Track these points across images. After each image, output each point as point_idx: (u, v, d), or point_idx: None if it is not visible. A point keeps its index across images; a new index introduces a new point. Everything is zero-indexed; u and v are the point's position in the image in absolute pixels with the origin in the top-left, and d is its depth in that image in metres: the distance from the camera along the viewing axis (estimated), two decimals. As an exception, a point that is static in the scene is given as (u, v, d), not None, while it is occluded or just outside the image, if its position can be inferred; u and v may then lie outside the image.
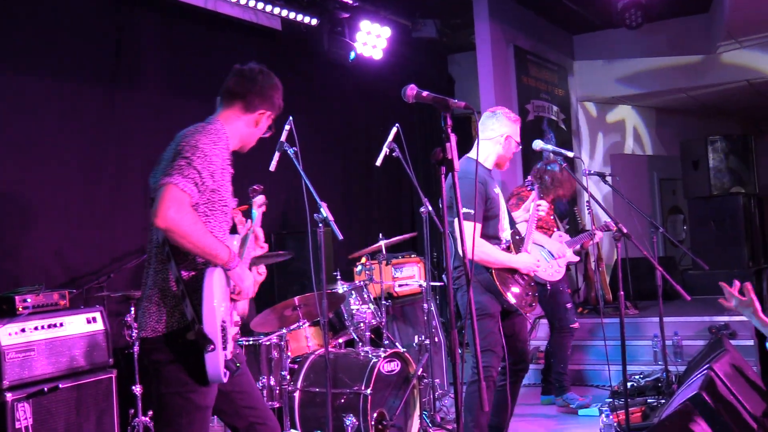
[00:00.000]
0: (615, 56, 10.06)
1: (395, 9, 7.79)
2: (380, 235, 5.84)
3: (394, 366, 5.03)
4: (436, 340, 6.30)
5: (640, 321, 7.63)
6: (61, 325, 4.38)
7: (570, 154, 4.96)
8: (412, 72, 8.56)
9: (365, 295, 5.51)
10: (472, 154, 4.51)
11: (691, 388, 4.05)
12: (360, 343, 5.34)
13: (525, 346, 4.66)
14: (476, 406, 4.28)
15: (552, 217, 6.20)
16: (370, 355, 4.91)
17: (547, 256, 5.93)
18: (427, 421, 5.38)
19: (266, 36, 6.95)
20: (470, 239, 4.14)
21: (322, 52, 7.02)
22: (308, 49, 7.15)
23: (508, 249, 4.44)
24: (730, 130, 12.07)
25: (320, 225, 4.38)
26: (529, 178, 5.45)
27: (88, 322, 4.52)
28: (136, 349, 4.62)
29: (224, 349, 2.81)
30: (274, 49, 7.11)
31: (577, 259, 6.47)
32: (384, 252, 5.81)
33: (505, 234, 4.51)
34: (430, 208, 5.23)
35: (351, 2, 7.02)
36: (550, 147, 4.92)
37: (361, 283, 5.61)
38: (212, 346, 2.72)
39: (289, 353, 4.93)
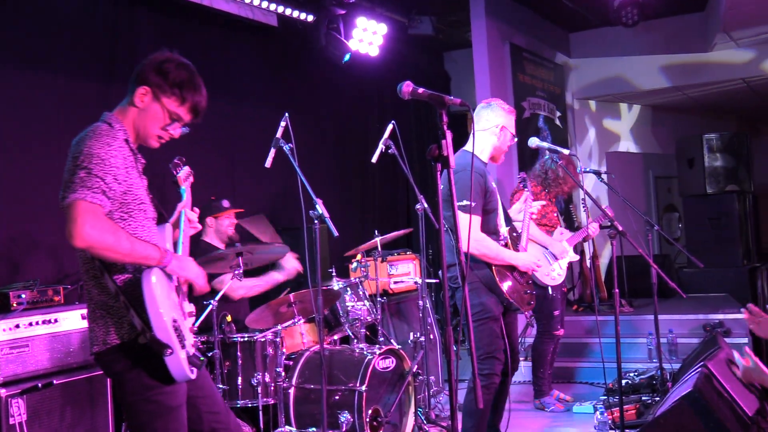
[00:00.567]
0: (611, 54, 10.07)
1: (391, 6, 7.78)
2: (375, 231, 5.84)
3: (389, 363, 5.03)
4: (431, 337, 6.30)
5: (635, 319, 7.64)
6: (56, 321, 4.37)
7: (566, 152, 4.96)
8: (408, 69, 8.56)
9: (360, 292, 5.51)
10: (468, 146, 4.48)
11: (685, 385, 4.06)
12: (355, 340, 5.33)
13: (516, 345, 4.67)
14: (476, 411, 4.27)
15: (555, 215, 6.20)
16: (365, 352, 4.91)
17: (550, 258, 5.93)
18: (422, 418, 5.38)
19: (262, 32, 6.94)
20: (466, 230, 4.11)
21: (318, 49, 7.01)
22: (304, 46, 7.14)
23: (505, 245, 4.43)
24: (726, 129, 12.11)
25: (316, 222, 4.37)
26: (521, 174, 5.44)
27: (83, 318, 4.50)
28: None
29: (183, 347, 2.73)
30: (270, 45, 7.11)
31: (578, 257, 6.47)
32: (379, 249, 5.81)
33: (503, 229, 4.50)
34: (426, 205, 5.22)
35: (347, -2, 7.02)
36: (545, 144, 4.92)
37: (357, 279, 5.60)
38: (169, 350, 2.63)
39: (284, 350, 4.93)
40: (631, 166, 11.47)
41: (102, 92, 5.57)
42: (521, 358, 6.29)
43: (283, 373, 4.83)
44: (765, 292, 9.22)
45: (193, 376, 2.76)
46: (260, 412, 4.77)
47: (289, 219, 6.70)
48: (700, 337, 6.89)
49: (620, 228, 4.60)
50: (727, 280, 9.16)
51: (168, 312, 2.69)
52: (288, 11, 6.73)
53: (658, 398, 5.45)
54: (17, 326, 4.17)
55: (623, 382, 5.55)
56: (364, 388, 4.65)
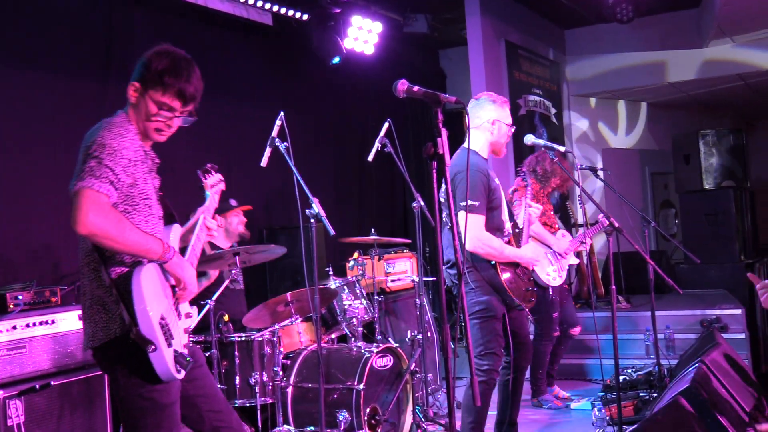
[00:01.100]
0: (606, 51, 10.08)
1: (386, 4, 7.78)
2: (372, 230, 5.84)
3: (387, 361, 5.03)
4: (429, 335, 6.31)
5: (632, 315, 7.65)
6: (53, 321, 4.36)
7: (561, 149, 4.96)
8: (404, 67, 8.56)
9: (358, 291, 5.51)
10: (466, 144, 4.47)
11: (683, 381, 4.06)
12: (352, 339, 5.34)
13: (527, 340, 4.65)
14: (475, 407, 4.27)
15: (552, 212, 6.20)
16: (362, 351, 4.91)
17: (552, 258, 5.94)
18: (420, 415, 5.38)
19: (257, 31, 6.93)
20: (471, 230, 4.12)
21: (311, 48, 7.02)
22: (299, 45, 7.14)
23: (508, 242, 4.42)
24: (722, 125, 12.13)
25: (312, 221, 4.37)
26: (522, 169, 5.44)
27: (80, 318, 4.49)
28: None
29: (170, 345, 2.73)
30: (265, 44, 7.11)
31: (577, 261, 6.48)
32: (376, 247, 5.81)
33: (507, 225, 4.49)
34: (423, 203, 5.22)
35: (342, -3, 7.02)
36: (541, 142, 4.92)
37: (354, 278, 5.60)
38: (153, 346, 2.64)
39: (281, 349, 4.93)
40: (628, 162, 11.48)
41: (99, 92, 5.56)
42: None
43: (280, 373, 4.82)
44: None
45: (179, 376, 2.76)
46: (258, 412, 4.77)
47: (285, 218, 6.71)
48: (697, 333, 6.90)
49: (617, 225, 4.60)
50: (724, 276, 9.17)
51: (156, 309, 2.70)
52: (283, 10, 6.73)
53: (655, 394, 5.46)
54: (14, 327, 4.16)
55: (621, 378, 5.56)
56: (362, 386, 4.66)
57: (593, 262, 7.52)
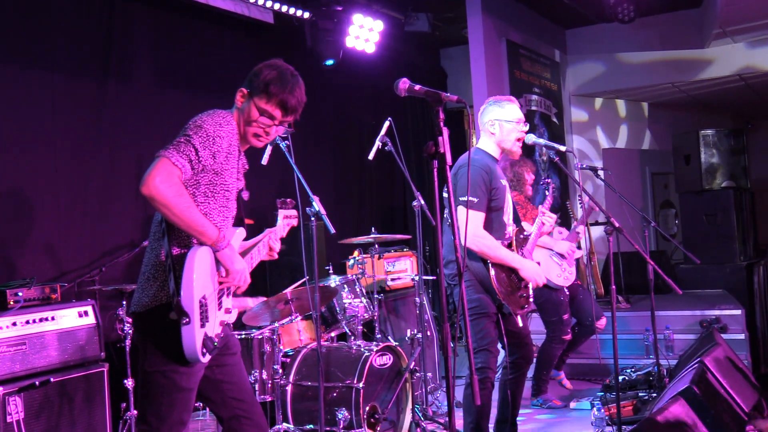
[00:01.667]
0: (607, 50, 10.08)
1: (388, 3, 7.78)
2: (372, 229, 5.84)
3: (387, 360, 5.03)
4: (429, 333, 6.31)
5: (631, 315, 7.64)
6: (53, 319, 4.36)
7: (562, 148, 4.96)
8: (405, 66, 8.57)
9: (357, 289, 5.51)
10: (479, 144, 4.46)
11: (682, 381, 4.07)
12: (352, 337, 5.34)
13: (527, 340, 4.62)
14: (474, 407, 4.26)
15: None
16: (362, 349, 4.92)
17: (557, 259, 5.94)
18: (420, 414, 5.38)
19: (258, 29, 6.93)
20: (469, 226, 4.08)
21: (312, 47, 7.02)
22: (301, 43, 7.14)
23: (509, 246, 4.38)
24: (722, 125, 12.12)
25: (312, 219, 4.37)
26: (545, 180, 5.42)
27: (80, 316, 4.51)
28: (128, 342, 4.60)
29: (203, 326, 2.80)
30: (266, 42, 7.10)
31: (582, 253, 6.47)
32: (376, 246, 5.81)
33: (509, 228, 4.46)
34: (423, 202, 5.22)
35: (343, -5, 7.02)
36: (542, 141, 4.91)
37: (354, 276, 5.60)
38: (187, 319, 2.72)
39: (281, 347, 4.93)
40: (628, 162, 11.48)
41: (98, 89, 5.57)
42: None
43: (280, 371, 4.83)
44: (761, 288, 9.23)
45: (203, 359, 2.83)
46: (258, 410, 4.77)
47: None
48: (697, 333, 6.90)
49: (617, 224, 4.59)
50: (724, 276, 9.16)
51: (200, 287, 2.79)
52: (284, 8, 6.72)
53: (655, 394, 5.46)
54: (14, 324, 4.16)
55: (620, 378, 5.56)
56: (361, 385, 4.66)
57: (593, 261, 7.52)
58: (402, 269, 6.70)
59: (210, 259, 2.89)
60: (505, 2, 8.74)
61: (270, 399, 4.86)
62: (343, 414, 4.62)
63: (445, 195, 4.14)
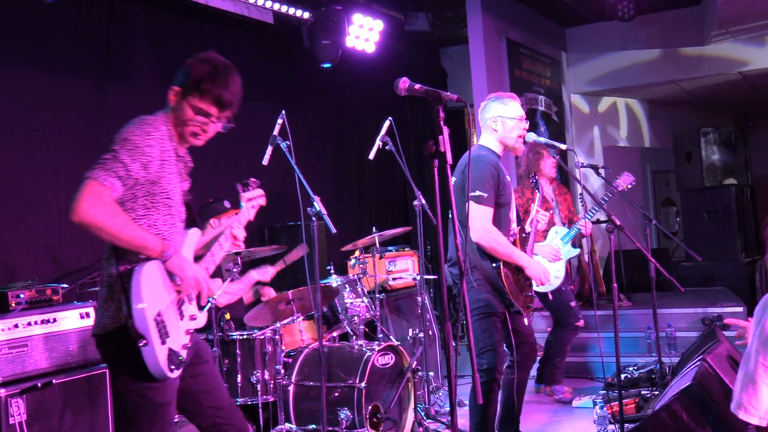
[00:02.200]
0: (607, 49, 10.07)
1: (387, 2, 7.78)
2: (373, 228, 5.83)
3: (389, 359, 5.03)
4: (431, 333, 6.31)
5: (633, 313, 7.65)
6: (54, 320, 4.36)
7: (563, 147, 4.95)
8: (405, 65, 8.56)
9: (359, 289, 5.51)
10: (482, 142, 4.46)
11: (684, 379, 4.06)
12: (354, 337, 5.34)
13: (532, 338, 4.62)
14: (480, 407, 4.25)
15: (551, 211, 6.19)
16: (364, 349, 4.91)
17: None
18: (422, 414, 5.38)
19: (258, 30, 6.92)
20: (478, 221, 4.09)
21: (311, 47, 7.02)
22: (300, 43, 7.13)
23: (513, 242, 4.38)
24: (723, 122, 12.09)
25: (313, 219, 4.37)
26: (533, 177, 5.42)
27: (82, 317, 4.50)
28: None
29: (164, 342, 2.75)
30: (266, 42, 7.10)
31: (578, 251, 6.46)
32: (377, 245, 5.80)
33: (514, 225, 4.46)
34: (424, 201, 5.22)
35: (343, -5, 7.02)
36: (542, 140, 4.91)
37: (355, 276, 5.60)
38: (144, 341, 2.68)
39: (283, 347, 4.93)
40: (629, 160, 11.47)
41: (97, 89, 5.56)
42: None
43: (282, 371, 4.83)
44: (763, 285, 9.23)
45: (171, 375, 2.78)
46: (260, 410, 4.77)
47: (286, 216, 6.70)
48: (699, 330, 6.90)
49: (618, 222, 4.59)
50: (726, 273, 9.17)
51: (152, 305, 2.73)
52: (284, 8, 6.72)
53: (657, 392, 5.46)
54: (16, 326, 4.16)
55: (622, 376, 5.56)
56: (363, 384, 4.66)
57: (595, 260, 7.51)
58: (403, 268, 6.70)
59: (159, 272, 2.82)
60: (505, 1, 8.74)
61: (272, 399, 4.86)
62: (345, 414, 4.62)
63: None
